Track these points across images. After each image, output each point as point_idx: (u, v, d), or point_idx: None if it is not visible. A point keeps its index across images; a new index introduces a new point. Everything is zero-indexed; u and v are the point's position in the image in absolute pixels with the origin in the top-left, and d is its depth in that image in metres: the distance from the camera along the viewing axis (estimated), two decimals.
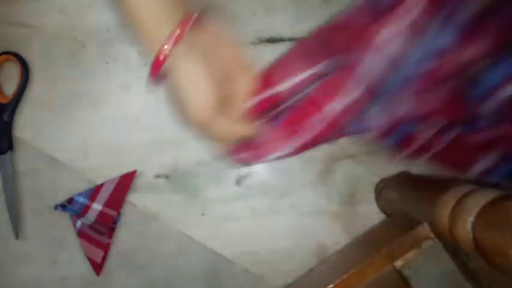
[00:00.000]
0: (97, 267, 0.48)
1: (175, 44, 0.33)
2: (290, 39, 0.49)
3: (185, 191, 0.49)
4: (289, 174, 0.49)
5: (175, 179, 0.49)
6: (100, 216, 0.47)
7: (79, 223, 0.48)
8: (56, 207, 0.47)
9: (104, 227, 0.48)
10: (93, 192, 0.47)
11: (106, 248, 0.48)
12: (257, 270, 0.50)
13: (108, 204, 0.47)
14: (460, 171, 0.43)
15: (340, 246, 0.51)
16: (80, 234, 0.48)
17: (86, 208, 0.47)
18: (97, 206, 0.47)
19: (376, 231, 0.49)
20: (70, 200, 0.47)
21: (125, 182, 0.48)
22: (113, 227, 0.48)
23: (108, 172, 0.48)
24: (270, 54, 0.44)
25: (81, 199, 0.47)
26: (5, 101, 0.46)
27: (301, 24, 0.48)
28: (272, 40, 0.49)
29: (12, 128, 0.47)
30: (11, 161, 0.47)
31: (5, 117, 0.46)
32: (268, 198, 0.50)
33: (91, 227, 0.48)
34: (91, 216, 0.47)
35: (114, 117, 0.48)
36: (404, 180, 0.48)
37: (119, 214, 0.48)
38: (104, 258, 0.48)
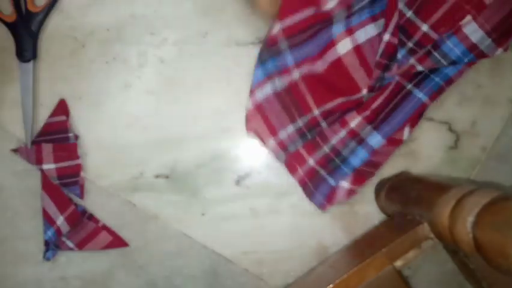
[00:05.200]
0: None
1: None
2: None
3: (185, 191, 0.49)
4: (289, 174, 0.49)
5: (175, 179, 0.49)
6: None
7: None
8: (44, 255, 0.48)
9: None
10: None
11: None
12: (257, 270, 0.50)
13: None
14: None
15: (340, 246, 0.51)
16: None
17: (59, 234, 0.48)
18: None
19: (376, 231, 0.49)
20: (46, 243, 0.48)
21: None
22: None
23: (108, 172, 0.48)
24: None
25: (50, 234, 0.48)
26: (35, 10, 0.46)
27: None
28: None
29: (39, 38, 0.47)
30: (33, 70, 0.47)
31: (33, 27, 0.46)
32: (268, 198, 0.50)
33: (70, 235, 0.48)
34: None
35: (114, 117, 0.48)
36: (404, 180, 0.48)
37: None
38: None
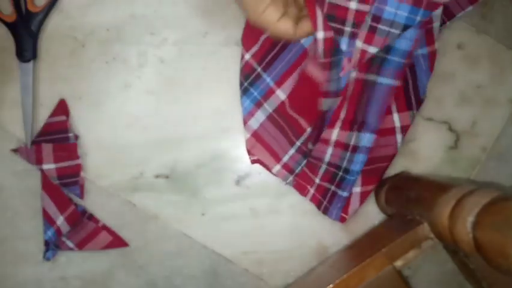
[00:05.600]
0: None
1: None
2: None
3: (185, 191, 0.49)
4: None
5: (175, 179, 0.49)
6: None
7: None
8: (44, 255, 0.48)
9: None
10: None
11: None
12: (257, 270, 0.50)
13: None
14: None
15: (340, 246, 0.51)
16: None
17: (59, 234, 0.48)
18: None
19: (376, 231, 0.49)
20: (46, 243, 0.48)
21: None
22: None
23: (108, 172, 0.48)
24: None
25: (50, 234, 0.48)
26: (35, 10, 0.46)
27: None
28: None
29: (39, 38, 0.47)
30: (33, 70, 0.47)
31: (33, 27, 0.46)
32: (268, 198, 0.50)
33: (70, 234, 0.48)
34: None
35: (114, 117, 0.48)
36: (404, 180, 0.48)
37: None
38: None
